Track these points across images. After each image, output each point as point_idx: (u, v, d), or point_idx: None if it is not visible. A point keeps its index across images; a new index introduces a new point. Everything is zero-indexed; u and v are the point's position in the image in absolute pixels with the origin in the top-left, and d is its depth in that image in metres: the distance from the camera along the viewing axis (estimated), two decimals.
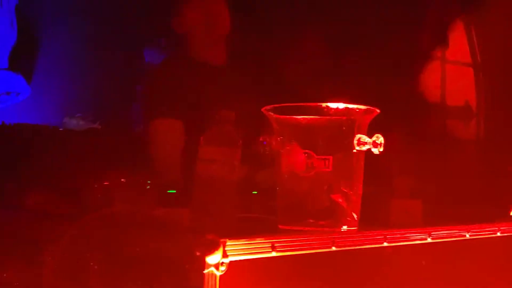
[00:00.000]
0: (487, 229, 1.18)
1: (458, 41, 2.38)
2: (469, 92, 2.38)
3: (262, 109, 0.84)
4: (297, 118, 0.85)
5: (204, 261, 0.63)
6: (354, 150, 0.84)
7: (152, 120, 1.28)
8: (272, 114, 0.86)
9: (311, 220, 0.83)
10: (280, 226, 0.84)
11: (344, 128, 0.84)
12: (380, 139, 0.85)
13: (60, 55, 3.09)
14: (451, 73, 2.43)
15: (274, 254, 0.73)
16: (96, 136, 1.90)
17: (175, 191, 0.94)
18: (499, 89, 2.43)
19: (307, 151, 0.83)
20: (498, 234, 1.17)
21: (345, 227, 0.84)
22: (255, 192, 1.06)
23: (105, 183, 0.82)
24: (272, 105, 0.85)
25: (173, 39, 1.96)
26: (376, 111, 0.85)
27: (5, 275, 0.82)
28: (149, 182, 0.86)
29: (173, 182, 0.97)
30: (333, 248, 0.81)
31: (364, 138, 0.84)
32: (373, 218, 0.94)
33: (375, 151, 0.84)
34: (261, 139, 0.88)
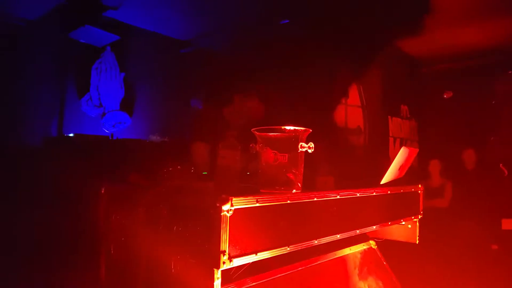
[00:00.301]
0: (367, 191, 1.95)
1: (353, 93, 4.28)
2: (359, 120, 4.24)
3: (252, 130, 1.54)
4: (269, 134, 1.55)
5: (221, 208, 1.18)
6: (299, 151, 1.55)
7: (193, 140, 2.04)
8: (256, 132, 1.55)
9: (277, 187, 1.52)
10: (261, 190, 1.53)
11: (293, 139, 1.55)
12: (312, 145, 1.57)
13: (146, 101, 5.57)
14: (350, 110, 4.26)
15: (258, 204, 1.32)
16: (165, 145, 2.86)
17: (206, 173, 1.62)
18: (373, 118, 4.67)
19: (274, 151, 1.54)
20: (374, 193, 1.96)
21: (294, 191, 1.54)
22: (248, 173, 1.75)
23: (169, 169, 1.49)
24: (256, 128, 1.56)
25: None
26: (309, 130, 1.57)
27: (117, 217, 1.49)
28: (192, 168, 1.53)
29: (205, 169, 1.65)
30: (288, 201, 1.45)
31: (304, 144, 1.55)
32: (308, 187, 1.67)
33: (310, 151, 1.57)
34: (251, 145, 1.52)
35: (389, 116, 5.46)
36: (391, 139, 5.40)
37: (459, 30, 4.83)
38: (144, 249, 1.41)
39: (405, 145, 5.65)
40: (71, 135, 3.89)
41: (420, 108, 6.29)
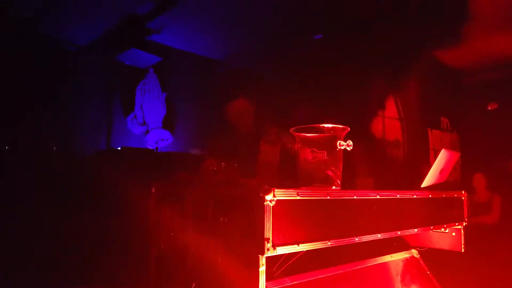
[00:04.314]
0: (408, 193, 1.94)
1: (390, 106, 4.19)
2: (397, 132, 4.23)
3: (290, 130, 1.62)
4: (305, 135, 1.62)
5: (264, 198, 1.26)
6: (337, 149, 1.60)
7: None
8: (294, 132, 1.63)
9: (316, 184, 1.59)
10: (300, 186, 1.59)
11: (332, 137, 1.61)
12: (350, 142, 1.61)
13: (186, 118, 5.98)
14: (388, 122, 4.26)
15: (298, 197, 1.38)
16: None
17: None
18: (411, 131, 4.74)
19: (313, 149, 1.60)
20: (415, 196, 1.95)
21: (334, 187, 1.59)
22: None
23: (214, 168, 1.59)
24: (294, 127, 1.63)
25: None
26: (348, 129, 1.62)
27: (166, 212, 1.60)
28: (236, 164, 1.62)
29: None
30: (328, 197, 1.50)
31: (342, 142, 1.61)
32: (348, 185, 1.71)
33: (348, 149, 1.61)
34: (289, 145, 1.61)
35: (428, 129, 5.34)
36: (431, 152, 5.27)
37: (500, 37, 4.71)
38: (191, 241, 1.50)
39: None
40: (119, 148, 4.16)
41: (461, 120, 6.10)
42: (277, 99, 4.32)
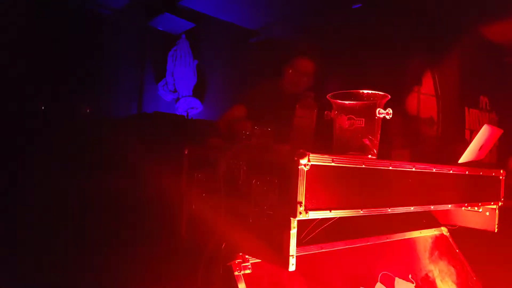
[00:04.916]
0: (444, 168, 1.88)
1: (427, 82, 4.45)
2: (432, 110, 3.97)
3: (327, 96, 1.58)
4: (343, 102, 1.57)
5: (299, 162, 1.24)
6: (376, 117, 1.55)
7: None
8: (331, 99, 1.59)
9: (351, 152, 1.56)
10: (335, 153, 1.56)
11: (371, 104, 1.56)
12: (390, 111, 1.56)
13: (217, 88, 5.86)
14: (423, 99, 4.01)
15: (333, 164, 1.34)
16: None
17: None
18: (448, 109, 4.52)
19: (350, 115, 1.56)
20: (451, 171, 1.88)
21: (370, 156, 1.56)
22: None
23: (247, 132, 1.58)
24: (332, 93, 1.59)
25: None
26: (388, 96, 1.56)
27: (198, 175, 1.62)
28: (269, 129, 1.60)
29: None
30: (363, 166, 1.46)
31: (382, 110, 1.55)
32: (384, 155, 1.66)
33: (388, 117, 1.56)
34: (326, 112, 1.56)
35: (466, 107, 5.11)
36: (467, 132, 5.06)
37: None
38: (223, 203, 1.52)
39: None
40: (150, 113, 4.23)
41: (502, 101, 5.79)
42: (313, 70, 4.22)
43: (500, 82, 5.81)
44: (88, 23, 4.78)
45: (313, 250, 1.83)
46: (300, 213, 1.26)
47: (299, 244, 1.43)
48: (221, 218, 1.54)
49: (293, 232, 1.29)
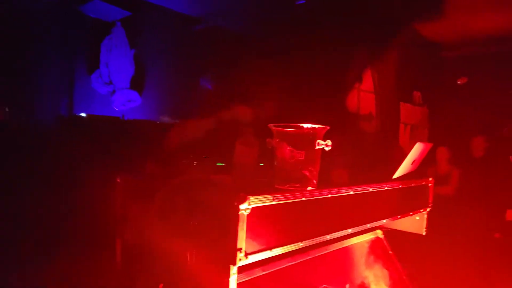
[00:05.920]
0: (380, 186, 1.96)
1: (367, 79, 4.64)
2: (371, 106, 4.33)
3: (269, 125, 1.53)
4: (286, 130, 1.54)
5: (238, 208, 1.19)
6: (316, 148, 1.54)
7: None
8: (274, 128, 1.54)
9: (292, 183, 1.53)
10: (276, 186, 1.53)
11: (311, 136, 1.54)
12: (329, 142, 1.55)
13: (157, 79, 5.43)
14: (363, 96, 4.34)
15: (274, 202, 1.32)
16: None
17: (223, 164, 1.63)
18: (385, 105, 4.81)
19: (291, 148, 1.53)
20: (386, 188, 1.97)
21: (309, 188, 1.55)
22: (262, 164, 1.74)
23: (185, 162, 1.50)
24: (274, 123, 1.54)
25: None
26: (327, 128, 1.55)
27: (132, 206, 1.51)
28: (207, 157, 1.52)
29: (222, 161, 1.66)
30: (303, 199, 1.46)
31: (321, 142, 1.54)
32: (322, 180, 1.66)
33: (327, 149, 1.55)
34: (267, 140, 1.51)
35: (401, 102, 5.39)
36: (401, 126, 5.36)
37: (479, 15, 4.68)
38: (160, 241, 1.44)
39: (415, 131, 5.65)
40: (83, 115, 3.88)
41: (433, 95, 6.19)
42: (254, 62, 4.17)
43: (434, 77, 6.19)
44: (14, 15, 4.20)
45: (257, 273, 1.82)
46: (240, 259, 1.23)
47: (240, 270, 1.41)
48: (158, 257, 1.47)
49: (233, 278, 1.25)
